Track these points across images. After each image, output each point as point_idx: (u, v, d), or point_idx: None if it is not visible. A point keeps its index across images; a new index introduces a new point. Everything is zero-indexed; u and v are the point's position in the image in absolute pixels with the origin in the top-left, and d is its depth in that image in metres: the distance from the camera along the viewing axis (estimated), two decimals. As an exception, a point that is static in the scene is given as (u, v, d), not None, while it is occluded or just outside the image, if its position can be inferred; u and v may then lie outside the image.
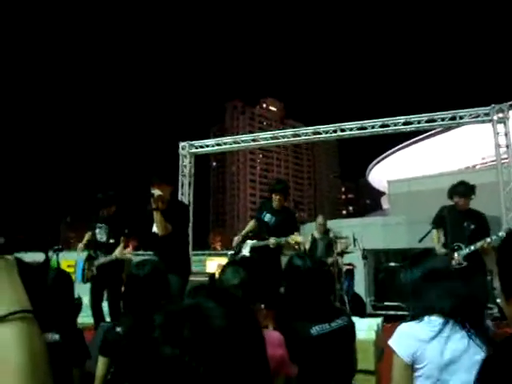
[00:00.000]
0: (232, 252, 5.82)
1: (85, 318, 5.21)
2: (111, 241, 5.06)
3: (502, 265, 0.88)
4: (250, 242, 5.09)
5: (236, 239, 5.32)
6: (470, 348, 1.72)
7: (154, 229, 4.21)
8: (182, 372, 0.61)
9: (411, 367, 1.78)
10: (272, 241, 4.76)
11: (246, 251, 5.03)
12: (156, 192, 4.07)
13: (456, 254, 4.74)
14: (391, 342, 1.85)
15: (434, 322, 1.78)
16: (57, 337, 2.29)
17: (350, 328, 2.21)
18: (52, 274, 2.92)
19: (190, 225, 10.45)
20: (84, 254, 5.31)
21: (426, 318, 1.80)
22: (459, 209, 4.89)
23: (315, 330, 2.04)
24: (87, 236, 5.40)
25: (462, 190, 4.89)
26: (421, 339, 1.77)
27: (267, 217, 5.04)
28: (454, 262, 4.65)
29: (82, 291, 5.46)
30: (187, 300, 0.70)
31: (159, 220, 4.07)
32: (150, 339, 0.66)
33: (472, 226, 4.76)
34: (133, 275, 2.40)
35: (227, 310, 0.68)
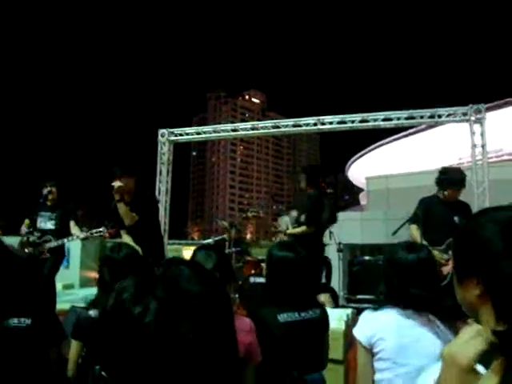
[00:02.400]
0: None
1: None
2: (58, 227, 5.26)
3: (456, 248, 0.92)
4: None
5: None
6: (426, 336, 1.77)
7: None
8: (151, 335, 0.59)
9: (371, 352, 1.84)
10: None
11: None
12: (116, 184, 4.10)
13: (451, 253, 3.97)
14: (354, 330, 1.92)
15: (393, 309, 1.84)
16: (28, 321, 2.28)
17: (322, 321, 2.21)
18: (22, 257, 2.89)
19: (167, 213, 10.43)
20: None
21: (387, 306, 1.86)
22: (447, 200, 4.19)
23: (282, 317, 2.04)
24: (26, 223, 5.45)
25: (459, 179, 4.21)
26: (379, 324, 1.83)
27: None
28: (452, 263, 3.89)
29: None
30: (161, 268, 0.68)
31: (124, 211, 4.13)
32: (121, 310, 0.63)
33: (463, 222, 4.06)
34: (109, 258, 2.38)
35: (200, 276, 0.67)
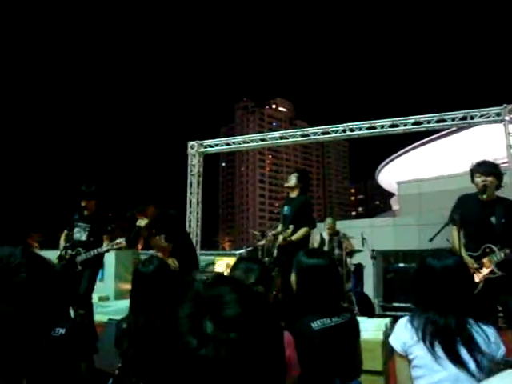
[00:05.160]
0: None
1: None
2: (91, 239, 5.16)
3: None
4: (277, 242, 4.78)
5: (268, 238, 5.05)
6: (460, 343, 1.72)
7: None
8: (202, 364, 0.59)
9: (407, 359, 1.80)
10: (280, 238, 4.53)
11: (275, 252, 4.76)
12: (141, 223, 4.20)
13: (486, 260, 3.54)
14: (390, 338, 1.89)
15: (426, 314, 1.80)
16: (63, 331, 2.31)
17: (353, 325, 2.19)
18: (58, 267, 2.94)
19: (199, 224, 10.48)
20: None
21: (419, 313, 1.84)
22: (483, 198, 3.68)
23: (316, 324, 2.02)
24: (64, 234, 5.46)
25: (481, 163, 3.79)
26: (413, 331, 1.79)
27: (284, 208, 4.82)
28: (484, 271, 3.51)
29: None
30: (207, 290, 0.67)
31: (157, 246, 4.26)
32: (165, 333, 0.63)
33: (502, 221, 3.53)
34: (139, 272, 2.41)
35: (246, 300, 0.66)
